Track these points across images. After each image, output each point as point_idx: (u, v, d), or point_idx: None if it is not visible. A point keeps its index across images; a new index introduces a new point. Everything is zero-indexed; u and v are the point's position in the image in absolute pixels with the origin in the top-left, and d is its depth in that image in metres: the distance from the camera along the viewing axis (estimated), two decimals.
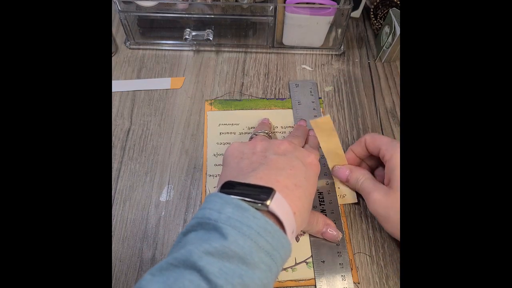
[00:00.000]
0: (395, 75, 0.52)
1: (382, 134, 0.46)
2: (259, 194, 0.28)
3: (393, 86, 0.51)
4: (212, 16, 0.51)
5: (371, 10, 0.57)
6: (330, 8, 0.48)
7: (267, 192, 0.28)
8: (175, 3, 0.49)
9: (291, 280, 0.36)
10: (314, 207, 0.40)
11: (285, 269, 0.37)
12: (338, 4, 0.48)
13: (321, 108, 0.48)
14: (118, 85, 0.50)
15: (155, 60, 0.53)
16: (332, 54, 0.55)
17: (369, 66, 0.53)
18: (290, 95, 0.50)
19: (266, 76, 0.52)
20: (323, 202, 0.40)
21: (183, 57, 0.54)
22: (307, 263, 0.37)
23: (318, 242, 0.38)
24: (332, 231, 0.37)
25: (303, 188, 0.31)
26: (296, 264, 0.37)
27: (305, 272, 0.36)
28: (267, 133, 0.41)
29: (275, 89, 0.50)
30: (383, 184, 0.36)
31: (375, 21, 0.56)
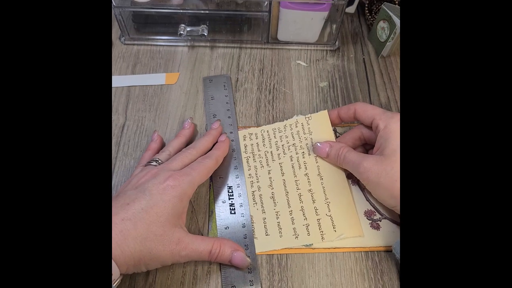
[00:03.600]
0: (390, 71, 0.52)
1: None
2: None
3: (388, 82, 0.51)
4: (207, 12, 0.51)
5: (366, 5, 0.57)
6: (324, 3, 0.48)
7: None
8: None
9: None
10: None
11: None
12: None
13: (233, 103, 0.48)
14: (113, 81, 0.50)
15: (149, 55, 0.53)
16: (327, 50, 0.55)
17: (364, 62, 0.54)
18: (203, 90, 0.49)
19: (261, 72, 0.52)
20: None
21: (178, 53, 0.53)
22: None
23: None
24: (239, 254, 0.34)
25: (134, 220, 0.31)
26: None
27: None
28: (157, 161, 0.38)
29: (270, 84, 0.50)
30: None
31: (370, 17, 0.56)
